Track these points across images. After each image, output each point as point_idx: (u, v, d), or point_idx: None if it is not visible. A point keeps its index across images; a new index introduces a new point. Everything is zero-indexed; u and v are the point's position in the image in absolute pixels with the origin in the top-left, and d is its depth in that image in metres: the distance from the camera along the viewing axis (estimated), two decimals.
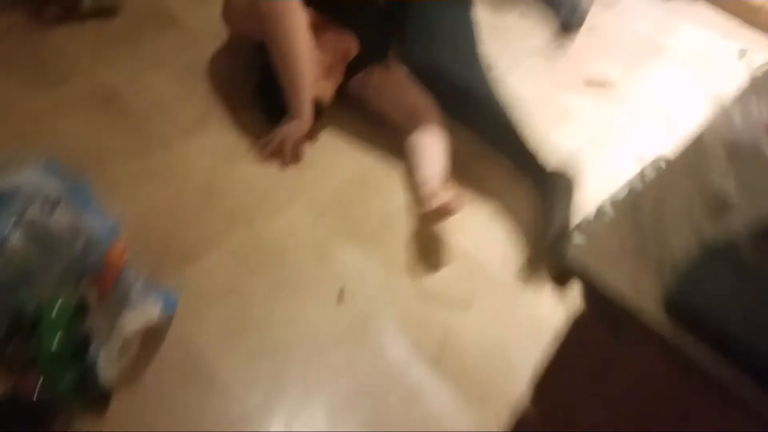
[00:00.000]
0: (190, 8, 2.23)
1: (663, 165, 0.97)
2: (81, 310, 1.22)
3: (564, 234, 1.61)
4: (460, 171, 1.79)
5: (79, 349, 1.18)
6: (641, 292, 0.75)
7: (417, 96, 1.89)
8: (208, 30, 2.14)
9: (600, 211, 0.85)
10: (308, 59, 1.79)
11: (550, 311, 1.56)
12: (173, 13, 2.20)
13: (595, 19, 2.63)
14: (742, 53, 2.61)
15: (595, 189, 1.58)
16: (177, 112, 1.87)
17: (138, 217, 1.58)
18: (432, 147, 1.80)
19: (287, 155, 1.80)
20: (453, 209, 1.63)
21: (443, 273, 1.65)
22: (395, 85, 1.93)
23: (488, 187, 1.85)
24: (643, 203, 0.87)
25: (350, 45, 1.87)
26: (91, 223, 1.25)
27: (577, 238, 0.81)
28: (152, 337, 1.34)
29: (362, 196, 1.78)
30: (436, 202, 1.62)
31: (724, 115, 1.04)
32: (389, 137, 1.90)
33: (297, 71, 1.77)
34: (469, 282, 1.64)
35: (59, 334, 1.16)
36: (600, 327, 0.83)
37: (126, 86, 1.91)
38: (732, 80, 2.48)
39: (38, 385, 1.14)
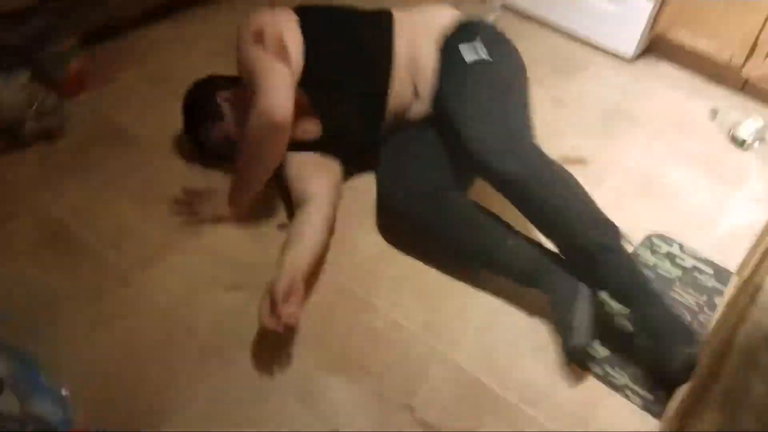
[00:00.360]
0: (141, 121, 2.10)
1: None
2: None
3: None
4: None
5: None
6: None
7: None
8: (161, 144, 2.02)
9: None
10: (272, 169, 1.71)
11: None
12: (123, 128, 2.07)
13: (561, 91, 2.57)
14: (714, 113, 2.56)
15: None
16: (133, 242, 1.72)
17: (97, 374, 1.40)
18: (314, 236, 1.66)
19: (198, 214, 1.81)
20: (289, 327, 1.41)
21: (442, 396, 1.49)
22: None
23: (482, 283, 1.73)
24: None
25: (313, 128, 1.84)
26: (40, 409, 1.08)
27: None
28: None
29: (343, 316, 1.63)
30: (269, 322, 1.41)
31: None
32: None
33: (258, 178, 1.73)
34: (475, 406, 1.49)
35: None
36: None
37: (75, 218, 1.75)
38: (708, 142, 2.46)
39: None
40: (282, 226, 1.82)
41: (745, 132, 2.43)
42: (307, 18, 1.80)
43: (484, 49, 1.77)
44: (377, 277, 1.73)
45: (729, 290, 1.85)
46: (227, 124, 1.86)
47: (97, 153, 1.96)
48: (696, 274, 1.91)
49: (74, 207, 1.79)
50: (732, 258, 1.95)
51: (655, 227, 2.02)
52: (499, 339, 1.63)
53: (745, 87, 2.69)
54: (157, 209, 1.81)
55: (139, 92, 2.21)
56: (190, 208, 1.82)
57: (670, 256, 1.95)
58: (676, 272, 1.90)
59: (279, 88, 1.60)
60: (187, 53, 2.42)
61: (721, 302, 1.82)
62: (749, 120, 2.46)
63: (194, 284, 1.64)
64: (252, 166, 1.71)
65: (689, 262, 1.94)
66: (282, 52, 1.68)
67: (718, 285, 1.88)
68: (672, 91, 2.69)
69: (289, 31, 1.74)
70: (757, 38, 2.49)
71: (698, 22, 2.62)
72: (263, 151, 1.66)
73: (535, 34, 2.90)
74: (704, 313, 1.79)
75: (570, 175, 1.65)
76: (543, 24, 2.93)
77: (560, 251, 1.66)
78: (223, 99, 1.86)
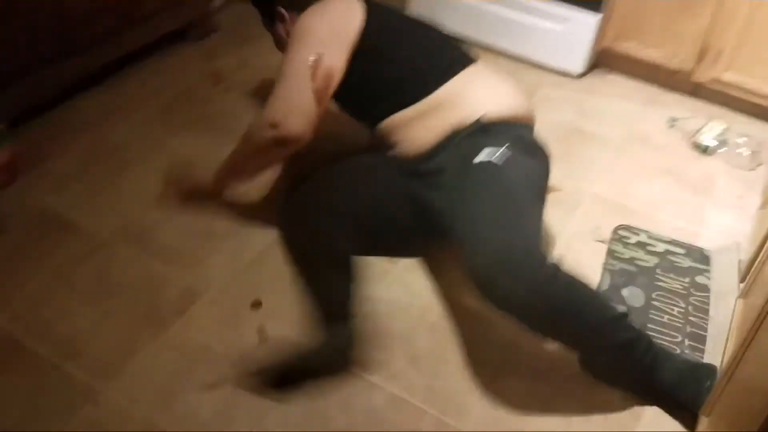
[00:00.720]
0: (79, 206, 1.93)
1: None
2: None
3: None
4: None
5: None
6: None
7: None
8: (103, 230, 1.85)
9: None
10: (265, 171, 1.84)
11: None
12: (61, 216, 1.89)
13: None
14: (672, 121, 2.53)
15: None
16: (93, 348, 1.55)
17: None
18: None
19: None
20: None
21: None
22: None
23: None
24: None
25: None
26: None
27: None
28: None
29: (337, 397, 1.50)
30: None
31: None
32: None
33: (248, 173, 1.82)
34: None
35: None
36: None
37: (23, 328, 1.57)
38: (671, 152, 2.42)
39: None
40: (256, 305, 1.68)
41: (707, 138, 2.40)
42: (379, 18, 1.76)
43: (503, 157, 1.56)
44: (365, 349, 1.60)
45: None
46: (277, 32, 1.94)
47: (38, 249, 1.79)
48: (670, 257, 1.97)
49: (20, 316, 1.60)
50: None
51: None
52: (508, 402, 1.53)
53: (697, 91, 2.68)
54: (111, 304, 1.65)
55: (74, 173, 2.04)
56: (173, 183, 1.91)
57: (641, 245, 2.00)
58: (653, 260, 1.95)
59: (302, 114, 1.62)
60: (121, 121, 2.26)
61: (704, 280, 1.90)
62: (708, 125, 2.44)
63: (167, 388, 1.48)
64: (246, 161, 1.77)
65: (661, 247, 2.00)
66: (324, 96, 1.66)
67: (694, 264, 1.95)
68: (626, 103, 2.65)
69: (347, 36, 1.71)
70: (704, 42, 2.48)
71: (643, 33, 2.59)
72: (261, 156, 1.73)
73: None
74: (693, 294, 1.86)
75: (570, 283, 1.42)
76: (486, 49, 2.87)
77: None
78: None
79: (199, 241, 1.86)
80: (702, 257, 1.97)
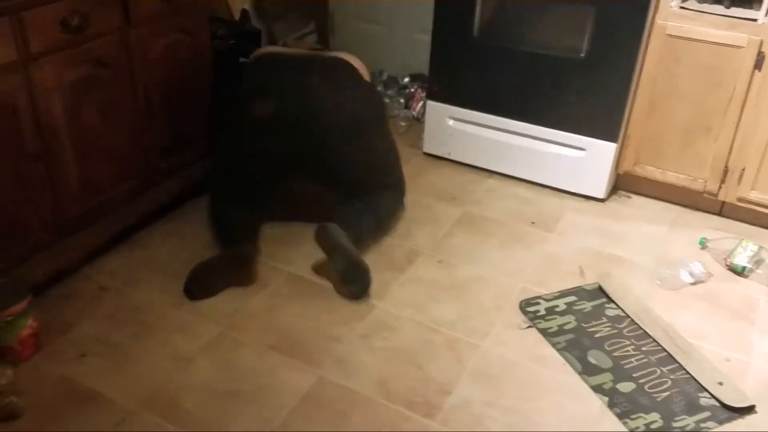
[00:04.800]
0: (110, 376, 1.87)
1: None
2: None
3: None
4: None
5: None
6: None
7: None
8: (135, 398, 1.79)
9: None
10: None
11: None
12: (86, 388, 1.83)
13: (548, 245, 2.47)
14: (704, 241, 2.48)
15: None
16: None
17: None
18: None
19: None
20: None
21: None
22: None
23: None
24: None
25: None
26: None
27: None
28: None
29: None
30: None
31: None
32: None
33: None
34: None
35: None
36: None
37: None
38: (708, 273, 2.35)
39: None
40: None
41: (742, 259, 2.34)
42: None
43: None
44: None
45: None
46: None
47: (66, 420, 1.72)
48: (576, 308, 2.16)
49: None
50: None
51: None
52: None
53: (724, 210, 2.64)
54: None
55: (97, 340, 2.00)
56: None
57: (552, 311, 2.14)
58: (571, 318, 2.12)
59: None
60: (144, 279, 2.24)
61: (614, 311, 2.14)
62: (741, 245, 2.38)
63: None
64: None
65: (561, 304, 2.17)
66: None
67: (594, 302, 2.18)
68: (653, 226, 2.61)
69: None
70: (726, 164, 2.47)
71: (662, 157, 2.60)
72: None
73: (504, 189, 2.83)
74: (621, 328, 2.08)
75: None
76: (506, 177, 2.88)
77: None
78: None
79: (224, 405, 1.79)
80: (592, 293, 2.22)
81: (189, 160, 2.51)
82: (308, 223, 2.35)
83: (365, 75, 2.49)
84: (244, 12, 2.87)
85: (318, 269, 2.28)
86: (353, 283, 2.16)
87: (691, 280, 2.27)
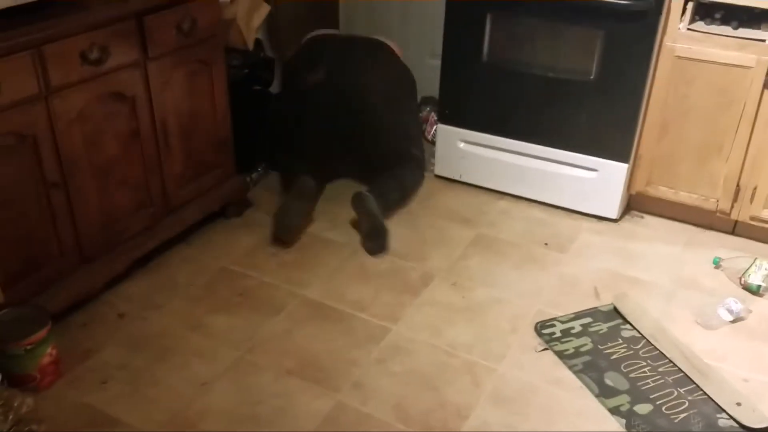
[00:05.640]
0: (130, 402, 1.89)
1: None
2: None
3: None
4: None
5: None
6: None
7: None
8: (155, 425, 1.81)
9: None
10: None
11: None
12: (108, 415, 1.85)
13: (563, 266, 2.48)
14: (718, 261, 2.48)
15: None
16: None
17: None
18: None
19: None
20: None
21: None
22: None
23: None
24: None
25: None
26: None
27: None
28: None
29: None
30: None
31: None
32: None
33: None
34: None
35: None
36: None
37: None
38: (722, 295, 2.34)
39: None
40: None
41: (756, 277, 2.33)
42: None
43: None
44: None
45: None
46: None
47: None
48: (592, 329, 2.16)
49: None
50: None
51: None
52: None
53: (738, 229, 2.64)
54: None
55: (117, 366, 2.02)
56: None
57: (568, 333, 2.14)
58: (587, 340, 2.11)
59: None
60: (163, 304, 2.27)
61: (630, 332, 2.15)
62: (756, 264, 2.37)
63: None
64: None
65: (577, 326, 2.17)
66: None
67: (610, 324, 2.18)
68: (667, 246, 2.62)
69: None
70: (738, 183, 2.48)
71: (674, 177, 2.61)
72: None
73: (517, 210, 2.85)
74: (637, 349, 2.08)
75: None
76: (519, 198, 2.89)
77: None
78: None
79: (243, 430, 1.81)
80: (608, 314, 2.22)
81: (206, 187, 2.55)
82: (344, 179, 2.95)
83: (400, 56, 3.01)
84: (257, 42, 2.92)
85: (353, 224, 2.67)
86: (373, 241, 2.54)
87: (731, 318, 2.21)
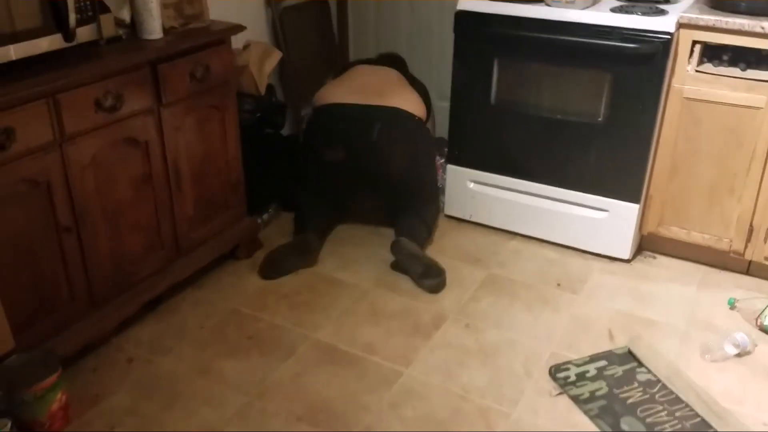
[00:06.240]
0: None
1: None
2: None
3: None
4: None
5: None
6: None
7: None
8: None
9: None
10: None
11: None
12: None
13: (575, 307, 2.46)
14: (733, 301, 2.45)
15: None
16: None
17: None
18: None
19: None
20: None
21: None
22: None
23: None
24: None
25: None
26: None
27: None
28: None
29: None
30: None
31: None
32: None
33: None
34: None
35: None
36: None
37: None
38: (753, 343, 2.30)
39: None
40: None
41: None
42: None
43: None
44: None
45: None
46: None
47: None
48: (607, 373, 2.13)
49: None
50: None
51: None
52: None
53: (752, 269, 2.61)
54: None
55: (126, 412, 2.00)
56: None
57: (582, 377, 2.12)
58: (602, 383, 2.09)
59: None
60: (173, 348, 2.26)
61: (646, 376, 2.11)
62: None
63: None
64: None
65: (592, 369, 2.14)
66: None
67: (625, 367, 2.15)
68: (681, 287, 2.59)
69: None
70: (751, 223, 2.46)
71: (686, 217, 2.60)
72: None
73: (528, 250, 2.83)
74: (653, 392, 2.05)
75: None
76: (530, 239, 2.88)
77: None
78: None
79: None
80: (623, 357, 2.19)
81: (217, 229, 2.56)
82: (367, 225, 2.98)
83: (420, 113, 2.88)
84: (269, 87, 2.95)
85: (395, 267, 2.71)
86: (434, 278, 2.58)
87: (736, 351, 2.20)
